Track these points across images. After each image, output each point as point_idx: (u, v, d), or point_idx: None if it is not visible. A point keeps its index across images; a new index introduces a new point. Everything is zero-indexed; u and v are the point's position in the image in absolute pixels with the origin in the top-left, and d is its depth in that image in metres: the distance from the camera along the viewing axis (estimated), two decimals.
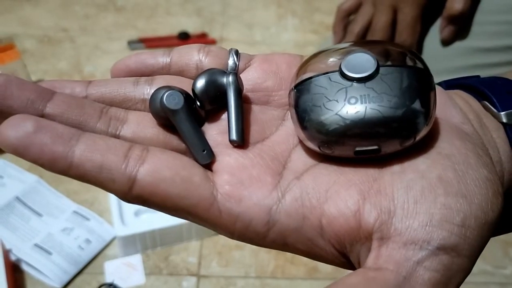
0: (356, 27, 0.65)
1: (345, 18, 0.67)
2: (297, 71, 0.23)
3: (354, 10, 0.67)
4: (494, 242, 0.81)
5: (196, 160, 0.22)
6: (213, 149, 0.23)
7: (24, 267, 0.73)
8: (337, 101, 0.21)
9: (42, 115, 0.21)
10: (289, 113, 0.24)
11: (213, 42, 1.17)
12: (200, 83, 0.23)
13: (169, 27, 1.20)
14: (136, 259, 0.76)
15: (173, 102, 0.22)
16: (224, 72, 0.24)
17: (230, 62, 0.25)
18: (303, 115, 0.22)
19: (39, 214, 0.79)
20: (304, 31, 1.24)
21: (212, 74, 0.24)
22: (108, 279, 0.73)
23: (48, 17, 1.21)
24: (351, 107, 0.21)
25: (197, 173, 0.21)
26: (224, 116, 0.24)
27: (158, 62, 0.25)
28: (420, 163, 0.21)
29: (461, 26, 0.60)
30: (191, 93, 0.24)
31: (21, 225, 0.77)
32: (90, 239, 0.76)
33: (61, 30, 1.17)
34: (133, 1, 1.29)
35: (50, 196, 0.81)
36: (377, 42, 0.23)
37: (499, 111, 0.24)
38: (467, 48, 0.61)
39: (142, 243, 0.76)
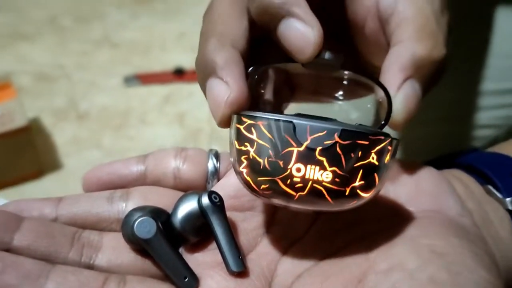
0: None
1: None
2: (251, 80, 0.21)
3: None
4: None
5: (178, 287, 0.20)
6: (195, 271, 0.21)
7: None
8: (281, 164, 0.19)
9: (9, 249, 0.20)
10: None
11: None
12: (178, 218, 0.22)
13: (165, 63, 1.21)
14: None
15: (145, 230, 0.20)
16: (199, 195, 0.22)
17: (210, 166, 0.24)
18: (242, 160, 0.20)
19: None
20: None
21: (187, 202, 0.22)
22: None
23: (44, 54, 1.22)
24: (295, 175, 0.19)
25: None
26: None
27: (132, 172, 0.24)
28: (410, 261, 0.19)
29: None
30: (168, 209, 0.22)
31: None
32: None
33: (57, 66, 1.19)
34: (128, 38, 1.31)
35: None
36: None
37: (504, 197, 0.22)
38: None
39: None
